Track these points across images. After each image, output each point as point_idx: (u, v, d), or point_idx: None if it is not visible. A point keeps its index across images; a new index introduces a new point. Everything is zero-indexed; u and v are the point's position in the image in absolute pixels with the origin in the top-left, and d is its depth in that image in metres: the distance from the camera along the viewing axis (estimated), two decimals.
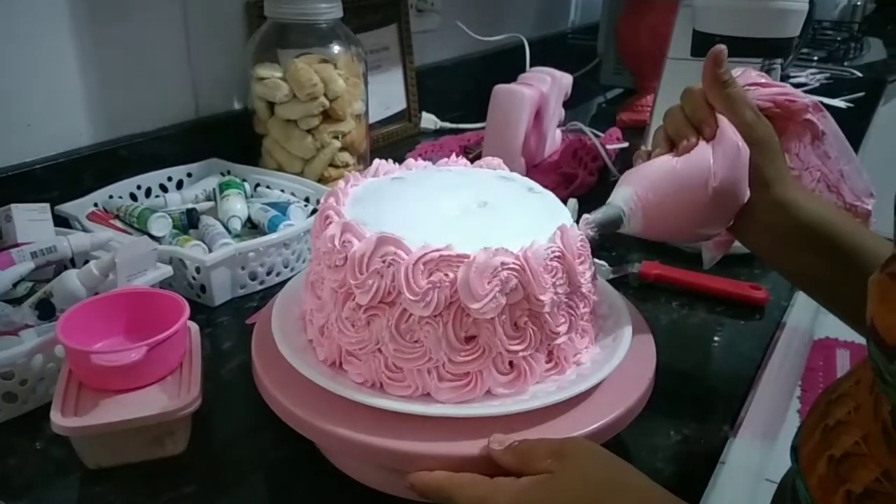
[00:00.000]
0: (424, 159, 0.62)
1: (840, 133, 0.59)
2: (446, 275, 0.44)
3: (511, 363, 0.46)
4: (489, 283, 0.43)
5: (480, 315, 0.44)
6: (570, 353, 0.49)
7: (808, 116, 0.58)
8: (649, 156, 0.56)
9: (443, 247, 0.44)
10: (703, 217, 0.54)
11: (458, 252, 0.44)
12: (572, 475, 0.40)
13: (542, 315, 0.46)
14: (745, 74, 0.58)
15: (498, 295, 0.43)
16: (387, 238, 0.45)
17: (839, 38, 2.07)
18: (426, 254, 0.44)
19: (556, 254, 0.46)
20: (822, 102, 0.59)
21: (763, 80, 0.58)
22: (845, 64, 1.91)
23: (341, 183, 0.55)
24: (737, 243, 0.60)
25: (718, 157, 0.52)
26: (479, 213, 0.51)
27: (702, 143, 0.54)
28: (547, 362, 0.48)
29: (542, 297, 0.45)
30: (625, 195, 0.54)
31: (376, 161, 0.59)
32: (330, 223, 0.49)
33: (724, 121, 0.54)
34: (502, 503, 0.40)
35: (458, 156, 0.61)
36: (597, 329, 0.54)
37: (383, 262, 0.45)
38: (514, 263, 0.44)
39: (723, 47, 0.54)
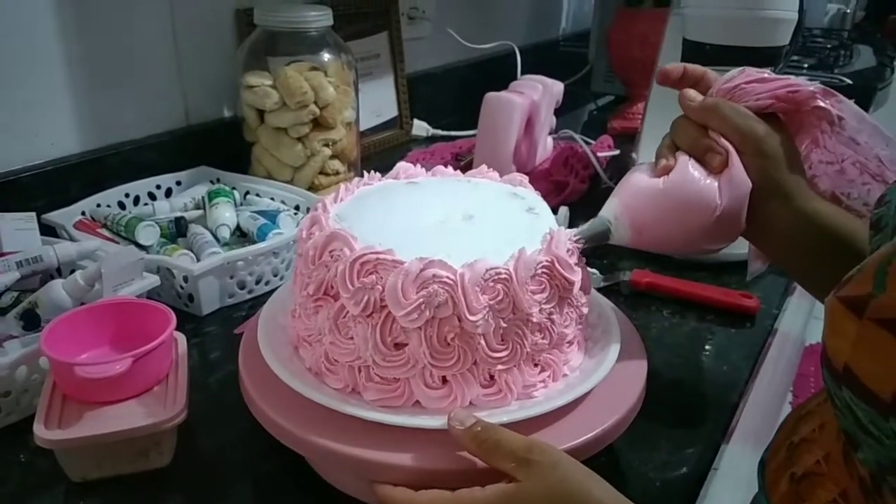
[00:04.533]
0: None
1: (867, 116, 0.54)
2: (380, 277, 0.44)
3: (444, 378, 0.45)
4: (417, 293, 0.43)
5: (407, 323, 0.43)
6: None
7: (818, 103, 0.53)
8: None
9: (383, 250, 0.44)
10: (700, 236, 0.52)
11: (393, 257, 0.44)
12: (535, 489, 0.39)
13: (475, 337, 0.44)
14: (745, 73, 0.55)
15: (423, 307, 0.43)
16: (337, 234, 0.46)
17: (829, 46, 2.08)
18: (364, 255, 0.44)
19: (504, 276, 0.44)
20: None
21: (764, 76, 0.54)
22: (835, 71, 1.91)
23: (346, 184, 0.56)
24: (729, 250, 0.59)
25: (724, 186, 0.50)
26: (459, 225, 0.51)
27: (682, 159, 0.52)
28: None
29: (471, 319, 0.43)
30: (611, 206, 0.53)
31: (400, 164, 0.60)
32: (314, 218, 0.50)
33: (730, 150, 0.51)
34: None
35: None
36: (586, 338, 0.54)
37: (331, 256, 0.46)
38: (447, 277, 0.43)
39: (678, 70, 0.55)
